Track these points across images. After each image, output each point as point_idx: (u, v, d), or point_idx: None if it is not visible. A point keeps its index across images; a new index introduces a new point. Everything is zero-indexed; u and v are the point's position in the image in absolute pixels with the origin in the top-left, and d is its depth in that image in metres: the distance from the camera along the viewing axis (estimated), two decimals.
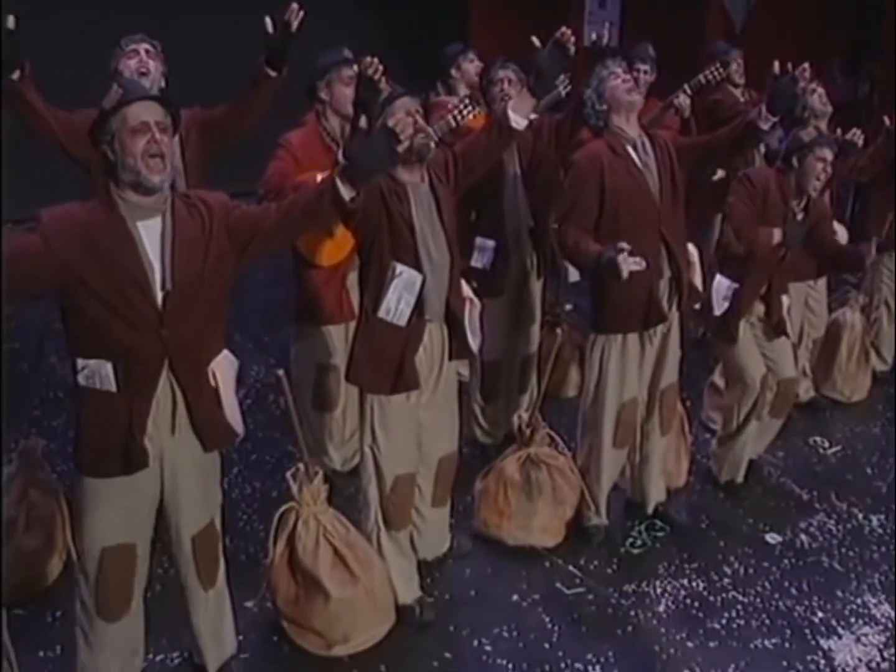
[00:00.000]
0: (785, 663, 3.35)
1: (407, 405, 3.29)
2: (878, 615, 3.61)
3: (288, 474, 3.22)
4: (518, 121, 3.32)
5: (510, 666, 3.29)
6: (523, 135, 3.54)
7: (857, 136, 4.66)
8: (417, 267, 3.19)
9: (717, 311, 4.09)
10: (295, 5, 3.50)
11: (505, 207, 4.17)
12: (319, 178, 3.07)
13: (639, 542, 3.98)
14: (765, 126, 3.58)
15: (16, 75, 3.41)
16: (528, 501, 3.83)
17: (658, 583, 3.74)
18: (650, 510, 4.09)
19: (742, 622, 3.54)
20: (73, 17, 6.95)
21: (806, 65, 3.68)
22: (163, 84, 3.72)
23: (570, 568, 3.80)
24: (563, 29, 3.32)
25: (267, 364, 5.39)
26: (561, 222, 3.63)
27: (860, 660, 3.38)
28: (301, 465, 3.21)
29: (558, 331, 4.94)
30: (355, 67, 3.57)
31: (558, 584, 3.70)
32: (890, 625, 3.56)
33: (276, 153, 3.81)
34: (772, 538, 4.05)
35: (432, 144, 3.22)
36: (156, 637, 3.13)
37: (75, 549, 2.85)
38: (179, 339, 2.61)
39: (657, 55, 5.32)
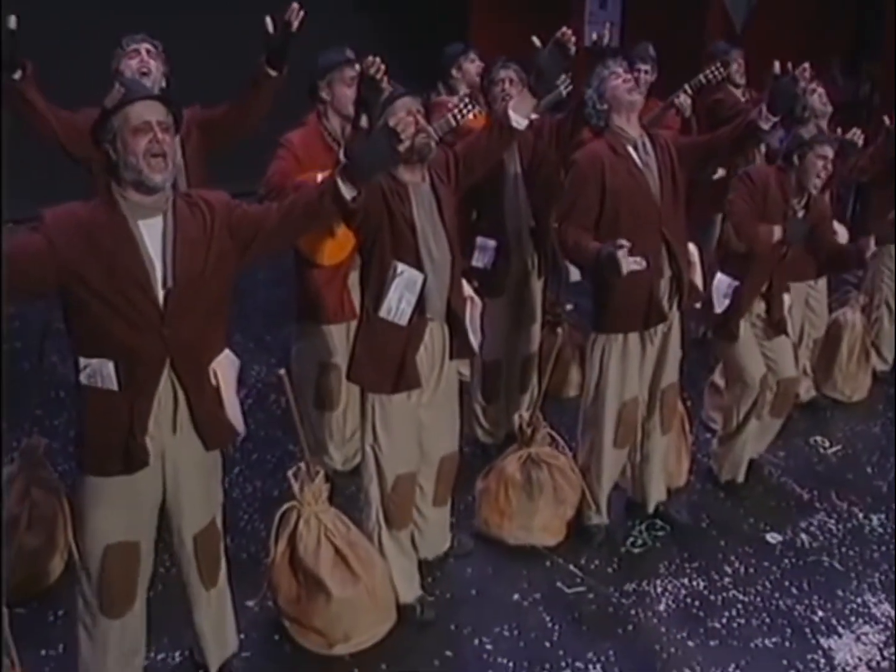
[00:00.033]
0: (785, 662, 3.35)
1: (408, 404, 3.30)
2: (879, 614, 3.62)
3: (289, 473, 3.22)
4: (519, 121, 3.33)
5: (511, 665, 3.30)
6: (524, 135, 3.54)
7: (857, 135, 4.66)
8: (418, 266, 3.20)
9: (718, 309, 4.09)
10: (295, 5, 3.51)
11: (506, 207, 4.17)
12: (320, 177, 3.08)
13: (639, 542, 3.98)
14: (765, 126, 3.58)
15: (17, 75, 3.42)
16: (529, 501, 3.83)
17: (658, 582, 3.74)
18: (651, 509, 4.09)
19: (742, 621, 3.54)
20: (74, 17, 6.97)
21: (806, 65, 3.68)
22: (164, 84, 3.72)
23: (571, 567, 3.80)
24: (564, 29, 3.32)
25: (268, 363, 5.40)
26: (561, 222, 3.64)
27: (860, 659, 3.39)
28: (302, 465, 3.22)
29: (559, 330, 4.93)
30: (357, 68, 3.58)
31: (559, 584, 3.70)
32: (890, 624, 3.56)
33: (278, 153, 3.81)
34: (772, 537, 4.06)
35: (433, 144, 3.22)
36: (157, 636, 3.14)
37: (76, 547, 2.85)
38: (181, 339, 2.61)
39: (658, 55, 5.31)
